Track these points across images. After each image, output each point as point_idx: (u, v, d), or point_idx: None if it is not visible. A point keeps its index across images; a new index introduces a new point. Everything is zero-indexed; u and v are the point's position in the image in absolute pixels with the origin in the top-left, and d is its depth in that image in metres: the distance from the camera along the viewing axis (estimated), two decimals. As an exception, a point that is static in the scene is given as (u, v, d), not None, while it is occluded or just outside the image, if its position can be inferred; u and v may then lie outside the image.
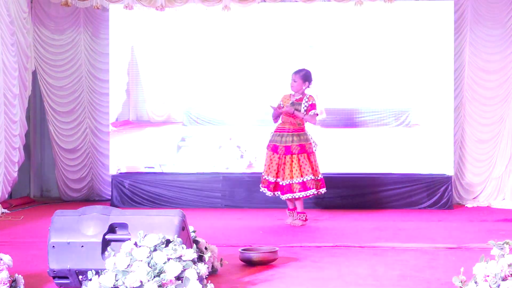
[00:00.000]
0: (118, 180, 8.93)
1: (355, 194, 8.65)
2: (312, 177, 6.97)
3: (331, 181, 8.40)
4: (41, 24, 9.34)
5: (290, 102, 7.10)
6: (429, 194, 8.65)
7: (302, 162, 6.98)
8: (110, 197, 9.06)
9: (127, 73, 9.28)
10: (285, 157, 6.99)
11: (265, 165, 7.13)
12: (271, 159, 7.06)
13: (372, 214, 8.05)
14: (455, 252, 5.58)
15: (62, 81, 9.44)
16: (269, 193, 7.08)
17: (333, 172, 8.75)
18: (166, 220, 4.28)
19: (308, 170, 6.96)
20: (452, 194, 8.70)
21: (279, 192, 7.05)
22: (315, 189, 6.99)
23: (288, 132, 7.05)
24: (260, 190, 7.18)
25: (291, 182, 6.95)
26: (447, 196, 8.62)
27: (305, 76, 7.11)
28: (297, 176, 6.95)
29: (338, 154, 8.97)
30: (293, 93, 7.16)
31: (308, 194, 6.98)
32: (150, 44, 9.28)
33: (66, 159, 9.46)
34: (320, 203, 8.55)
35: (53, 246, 4.26)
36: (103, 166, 9.49)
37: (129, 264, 4.00)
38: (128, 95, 9.30)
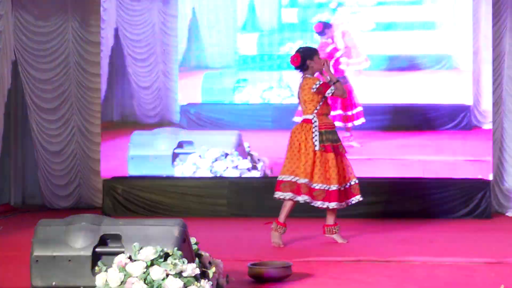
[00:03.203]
0: (111, 185, 8.94)
1: (380, 201, 8.63)
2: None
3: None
4: (22, 8, 9.35)
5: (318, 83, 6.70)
6: (464, 201, 8.61)
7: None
8: (101, 205, 9.07)
9: (108, 63, 9.38)
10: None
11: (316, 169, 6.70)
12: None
13: (400, 224, 8.03)
14: (494, 268, 5.56)
15: (46, 73, 9.44)
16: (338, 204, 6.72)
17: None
18: (164, 231, 4.28)
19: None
20: (490, 201, 8.66)
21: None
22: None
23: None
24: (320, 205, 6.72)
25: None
26: (485, 203, 8.58)
27: (303, 52, 6.82)
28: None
29: (361, 156, 8.96)
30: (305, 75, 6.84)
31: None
32: (138, 27, 9.44)
33: (51, 162, 9.47)
34: (339, 211, 8.50)
35: (37, 260, 4.27)
36: (93, 170, 9.51)
37: (122, 281, 4.00)
38: (111, 90, 9.40)
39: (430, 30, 9.07)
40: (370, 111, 9.12)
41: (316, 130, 6.67)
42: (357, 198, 6.82)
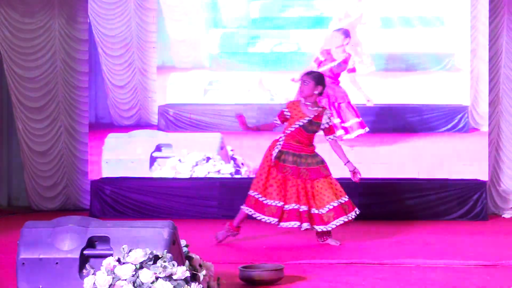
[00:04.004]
0: (98, 186, 8.94)
1: (374, 202, 8.66)
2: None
3: (346, 187, 8.39)
4: (7, 5, 9.35)
5: (308, 122, 6.75)
6: (460, 202, 8.65)
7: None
8: (88, 207, 9.07)
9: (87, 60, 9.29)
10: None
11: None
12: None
13: (394, 226, 8.05)
14: (489, 271, 5.59)
15: (32, 71, 9.44)
16: (292, 224, 6.73)
17: (348, 177, 8.75)
18: (154, 233, 4.29)
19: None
20: (486, 203, 8.70)
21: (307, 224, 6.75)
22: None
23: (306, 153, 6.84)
24: (264, 220, 6.81)
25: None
26: (481, 205, 8.62)
27: (318, 78, 6.81)
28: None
29: (354, 156, 8.97)
30: (301, 100, 6.84)
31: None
32: (112, 21, 9.27)
33: (37, 162, 9.47)
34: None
35: (23, 263, 4.27)
36: (80, 171, 9.50)
37: (111, 284, 4.01)
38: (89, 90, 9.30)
39: (428, 28, 9.08)
40: (366, 112, 9.12)
41: (277, 147, 6.80)
42: (322, 227, 6.79)
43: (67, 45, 9.50)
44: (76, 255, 4.26)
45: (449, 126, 9.05)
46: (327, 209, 6.75)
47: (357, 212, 6.83)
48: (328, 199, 6.77)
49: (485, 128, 8.97)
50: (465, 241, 7.15)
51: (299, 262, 5.88)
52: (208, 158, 8.78)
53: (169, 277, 4.05)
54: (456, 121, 9.07)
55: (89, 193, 9.10)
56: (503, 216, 8.93)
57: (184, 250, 4.56)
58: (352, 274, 5.46)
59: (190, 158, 8.84)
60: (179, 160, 8.88)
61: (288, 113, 6.82)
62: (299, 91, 6.97)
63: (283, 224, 6.75)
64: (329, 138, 6.85)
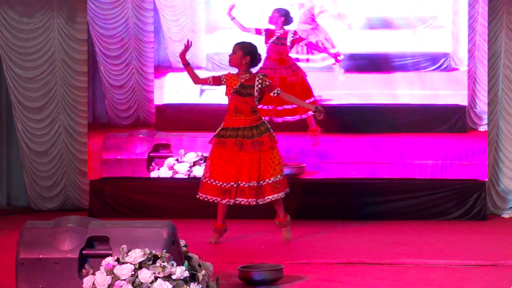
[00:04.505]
0: (98, 186, 8.94)
1: (372, 202, 8.66)
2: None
3: (343, 187, 8.43)
4: (7, 5, 9.36)
5: (239, 85, 6.80)
6: (459, 202, 8.65)
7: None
8: (88, 206, 9.07)
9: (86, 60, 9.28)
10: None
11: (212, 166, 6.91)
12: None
13: (393, 226, 8.06)
14: (489, 271, 5.59)
15: (31, 71, 9.45)
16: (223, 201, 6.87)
17: (346, 176, 8.77)
18: (153, 233, 4.30)
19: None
20: (485, 203, 8.70)
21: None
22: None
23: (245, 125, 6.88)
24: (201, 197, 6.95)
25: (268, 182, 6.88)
26: (480, 205, 8.62)
27: (248, 49, 6.87)
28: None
29: (349, 156, 8.98)
30: (237, 71, 6.89)
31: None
32: (110, 21, 9.28)
33: (36, 162, 9.48)
34: (331, 213, 8.55)
35: (22, 263, 4.28)
36: (79, 171, 9.51)
37: (110, 284, 4.01)
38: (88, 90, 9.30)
39: (425, 28, 9.09)
40: (363, 112, 9.12)
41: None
42: (270, 197, 6.83)
43: (66, 45, 9.50)
44: (76, 255, 4.26)
45: (447, 126, 9.05)
46: (267, 182, 6.80)
47: (287, 192, 6.86)
48: (267, 173, 6.81)
49: (482, 128, 8.97)
50: (464, 241, 7.15)
51: (298, 262, 5.88)
52: (206, 158, 8.75)
53: (168, 277, 4.06)
54: (453, 121, 9.07)
55: (88, 193, 9.10)
56: (502, 216, 8.93)
57: (183, 250, 4.57)
58: (351, 274, 5.47)
59: (188, 158, 8.83)
60: (177, 160, 8.88)
61: (224, 80, 6.90)
62: (228, 60, 6.96)
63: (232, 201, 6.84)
64: (274, 93, 6.83)
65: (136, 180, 9.05)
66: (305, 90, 8.85)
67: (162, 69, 9.35)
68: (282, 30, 8.89)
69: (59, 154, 9.56)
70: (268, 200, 6.84)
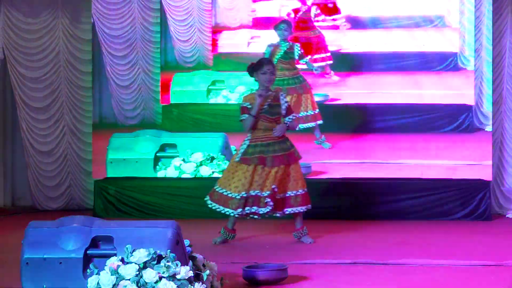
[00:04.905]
0: (102, 186, 8.95)
1: (376, 202, 8.65)
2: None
3: (348, 187, 8.42)
4: (11, 5, 9.37)
5: (267, 104, 6.84)
6: (463, 202, 8.64)
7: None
8: (92, 206, 9.08)
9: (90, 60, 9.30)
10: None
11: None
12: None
13: (397, 226, 8.05)
14: (493, 270, 5.59)
15: (36, 71, 9.46)
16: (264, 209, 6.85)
17: (350, 176, 8.76)
18: (157, 233, 4.31)
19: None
20: (490, 202, 8.68)
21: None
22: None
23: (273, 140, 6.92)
24: (232, 213, 6.92)
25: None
26: (485, 205, 8.61)
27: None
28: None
29: (355, 155, 8.99)
30: (255, 91, 6.92)
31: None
32: (116, 21, 9.28)
33: (41, 162, 9.48)
34: (335, 213, 8.55)
35: (27, 263, 4.29)
36: (84, 171, 9.51)
37: (114, 284, 4.02)
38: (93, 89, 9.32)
39: (432, 28, 9.10)
40: (370, 111, 9.13)
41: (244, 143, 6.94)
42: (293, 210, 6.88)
43: (70, 45, 9.51)
44: (80, 255, 4.27)
45: (453, 126, 9.05)
46: (295, 194, 6.87)
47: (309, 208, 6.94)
48: (295, 185, 6.89)
49: (489, 128, 8.97)
50: (468, 241, 7.15)
51: (303, 262, 5.88)
52: (212, 158, 8.76)
53: (172, 277, 4.07)
54: (460, 120, 9.07)
55: (93, 193, 9.10)
56: (506, 216, 8.91)
57: (187, 250, 4.57)
58: (355, 274, 5.47)
59: (194, 158, 8.83)
60: (183, 160, 8.88)
61: (249, 106, 6.87)
62: (267, 80, 6.86)
63: (246, 211, 6.84)
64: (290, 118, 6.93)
65: (141, 180, 9.04)
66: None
67: (169, 69, 9.38)
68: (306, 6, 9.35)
69: (64, 154, 9.56)
70: (287, 213, 6.91)
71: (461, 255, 6.21)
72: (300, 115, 8.59)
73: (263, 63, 6.87)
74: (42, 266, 4.25)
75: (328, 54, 9.41)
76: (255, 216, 6.91)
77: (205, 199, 7.12)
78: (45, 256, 4.27)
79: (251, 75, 6.92)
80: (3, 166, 9.71)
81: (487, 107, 8.98)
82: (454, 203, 8.64)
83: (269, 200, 6.76)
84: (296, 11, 9.54)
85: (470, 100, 8.96)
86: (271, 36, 8.92)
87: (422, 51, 9.18)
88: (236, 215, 6.90)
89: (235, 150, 8.79)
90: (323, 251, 6.52)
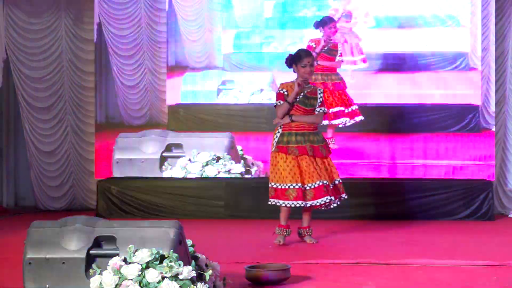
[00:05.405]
0: (105, 186, 8.95)
1: (380, 202, 8.65)
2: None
3: (351, 187, 8.39)
4: (14, 5, 9.38)
5: (303, 95, 6.80)
6: (466, 202, 8.63)
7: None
8: (95, 206, 9.09)
9: (94, 60, 9.30)
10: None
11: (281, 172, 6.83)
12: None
13: (400, 226, 8.05)
14: (496, 271, 5.58)
15: (39, 71, 9.47)
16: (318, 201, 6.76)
17: (354, 176, 8.76)
18: (160, 233, 4.30)
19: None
20: (493, 203, 8.68)
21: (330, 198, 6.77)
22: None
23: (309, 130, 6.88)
24: (290, 205, 6.81)
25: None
26: (488, 205, 8.60)
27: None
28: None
29: (359, 155, 8.98)
30: (293, 81, 6.81)
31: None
32: (122, 21, 9.31)
33: (44, 162, 9.50)
34: (338, 213, 8.53)
35: (30, 263, 4.29)
36: (86, 171, 9.52)
37: (117, 284, 4.02)
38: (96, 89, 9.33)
39: (441, 28, 9.09)
40: (377, 111, 9.12)
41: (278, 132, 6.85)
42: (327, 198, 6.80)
43: (73, 45, 9.52)
44: (83, 254, 4.27)
45: (460, 126, 9.06)
46: (339, 181, 6.91)
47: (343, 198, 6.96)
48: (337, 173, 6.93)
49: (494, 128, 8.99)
50: (471, 241, 7.14)
51: (305, 262, 5.88)
52: (218, 158, 8.75)
53: (175, 277, 4.06)
54: (467, 120, 9.07)
55: (96, 193, 9.11)
56: (509, 216, 8.91)
57: (190, 250, 4.57)
58: (358, 274, 5.46)
59: (200, 158, 8.82)
60: (189, 160, 8.87)
61: (286, 92, 6.81)
62: (307, 73, 6.80)
63: (315, 202, 6.73)
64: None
65: (143, 180, 9.04)
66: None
67: (178, 69, 9.41)
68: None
69: (66, 154, 9.58)
70: (343, 198, 6.94)
71: (464, 255, 6.20)
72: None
73: (302, 56, 6.82)
74: (45, 266, 4.26)
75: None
76: (322, 208, 6.86)
77: (269, 202, 6.96)
78: (47, 256, 4.27)
79: (290, 67, 6.87)
80: (6, 166, 9.72)
81: (493, 107, 8.99)
82: (457, 203, 8.63)
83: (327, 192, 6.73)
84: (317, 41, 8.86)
85: (477, 100, 8.96)
86: (283, 37, 8.94)
87: (432, 51, 9.18)
88: (298, 206, 6.76)
89: (241, 150, 8.83)
90: (326, 251, 6.52)
